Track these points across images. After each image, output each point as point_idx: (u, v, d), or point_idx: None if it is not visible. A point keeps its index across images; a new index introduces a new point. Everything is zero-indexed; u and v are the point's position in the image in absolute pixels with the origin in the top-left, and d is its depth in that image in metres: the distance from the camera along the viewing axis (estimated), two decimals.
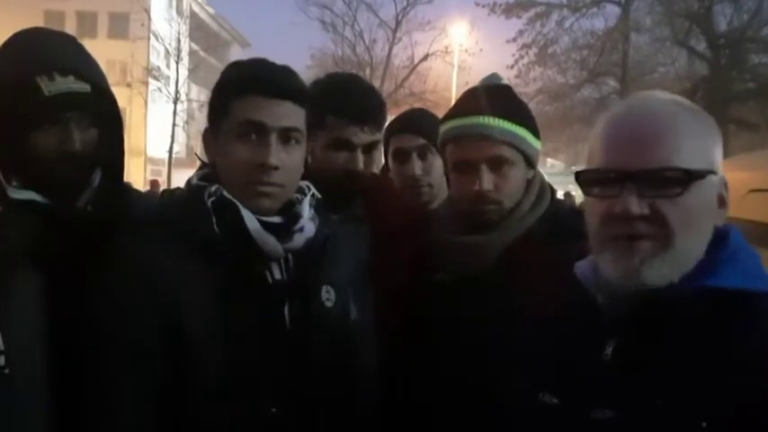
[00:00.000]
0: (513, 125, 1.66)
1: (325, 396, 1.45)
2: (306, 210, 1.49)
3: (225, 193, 1.42)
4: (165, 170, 26.98)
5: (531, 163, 1.71)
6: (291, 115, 1.44)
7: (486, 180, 1.65)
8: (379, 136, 1.94)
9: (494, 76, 1.82)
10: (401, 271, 1.75)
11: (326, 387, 1.45)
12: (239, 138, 1.41)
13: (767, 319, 1.03)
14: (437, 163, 2.20)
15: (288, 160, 1.43)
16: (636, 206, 1.05)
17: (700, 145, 1.08)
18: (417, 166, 2.18)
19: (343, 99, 1.82)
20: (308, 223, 1.48)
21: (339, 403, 1.48)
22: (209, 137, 1.49)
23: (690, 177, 1.05)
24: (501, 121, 1.65)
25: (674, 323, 1.05)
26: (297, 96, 1.45)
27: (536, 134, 1.72)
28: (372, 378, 1.59)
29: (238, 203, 1.41)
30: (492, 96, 1.70)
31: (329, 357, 1.47)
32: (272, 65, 1.48)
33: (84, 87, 1.53)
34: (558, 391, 1.15)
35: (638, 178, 1.05)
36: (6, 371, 1.28)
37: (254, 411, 1.37)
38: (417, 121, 2.26)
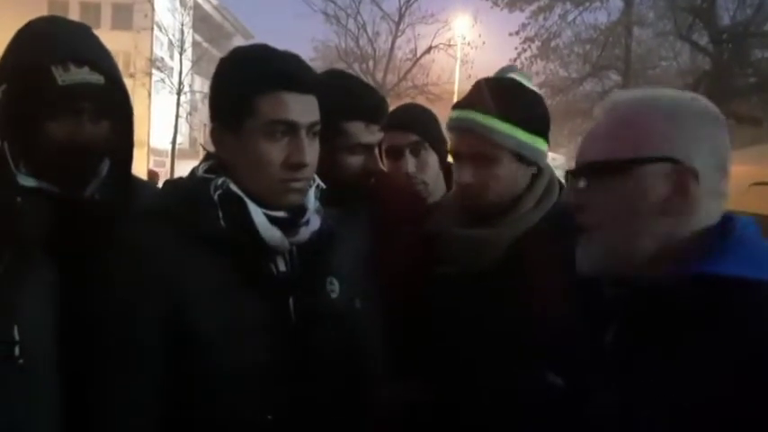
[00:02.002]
0: (495, 120, 1.65)
1: (330, 388, 1.45)
2: (311, 202, 1.49)
3: (232, 187, 1.41)
4: (168, 161, 26.95)
5: (524, 159, 1.70)
6: (315, 109, 1.44)
7: (465, 174, 1.67)
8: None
9: (504, 69, 1.81)
10: (404, 262, 1.76)
11: (332, 379, 1.46)
12: (269, 136, 1.39)
13: (762, 308, 1.04)
14: (431, 160, 2.19)
15: (314, 155, 1.44)
16: (574, 197, 1.16)
17: (635, 134, 1.12)
18: (410, 163, 2.16)
19: (357, 102, 1.82)
20: (313, 216, 1.48)
21: (345, 395, 1.48)
22: (222, 133, 1.45)
23: (613, 169, 1.11)
24: (482, 115, 1.65)
25: (670, 310, 1.08)
26: (317, 88, 1.45)
27: (533, 130, 1.70)
28: (378, 368, 1.60)
29: (245, 197, 1.40)
30: (487, 91, 1.70)
31: (335, 349, 1.48)
32: (285, 55, 1.46)
33: (99, 79, 1.54)
34: (564, 373, 1.20)
35: (576, 171, 1.17)
36: (21, 361, 1.29)
37: (259, 405, 1.38)
38: (409, 118, 2.23)
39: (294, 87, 1.40)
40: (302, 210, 1.46)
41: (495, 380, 1.52)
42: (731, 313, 1.04)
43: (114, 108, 1.60)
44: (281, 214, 1.43)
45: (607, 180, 1.12)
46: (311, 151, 1.43)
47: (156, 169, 20.70)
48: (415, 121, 2.22)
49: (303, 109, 1.41)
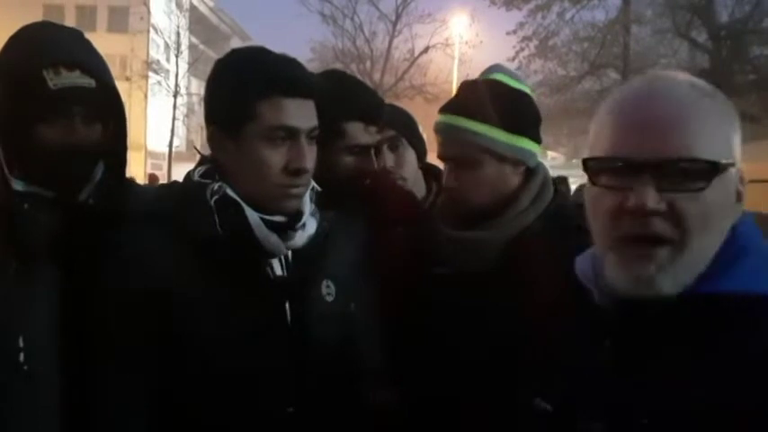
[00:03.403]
0: (476, 123, 1.65)
1: (328, 391, 1.44)
2: (307, 206, 1.48)
3: (228, 192, 1.40)
4: (165, 164, 27.03)
5: (509, 160, 1.68)
6: (313, 113, 1.43)
7: (449, 177, 1.70)
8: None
9: (490, 68, 1.79)
10: (400, 263, 1.75)
11: (330, 382, 1.45)
12: (269, 142, 1.39)
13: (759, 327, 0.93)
14: (409, 156, 2.20)
15: (312, 160, 1.44)
16: (653, 200, 0.92)
17: (721, 133, 0.97)
18: (389, 158, 2.15)
19: (356, 103, 1.82)
20: (309, 220, 1.47)
21: (342, 397, 1.47)
22: (220, 137, 1.44)
23: (714, 170, 0.93)
24: (462, 119, 1.66)
25: (667, 331, 0.97)
26: (316, 93, 1.44)
27: (517, 130, 1.67)
28: (375, 371, 1.59)
29: (242, 202, 1.39)
30: (466, 93, 1.71)
31: (331, 352, 1.47)
32: (284, 58, 1.45)
33: (90, 82, 1.53)
34: (551, 397, 1.09)
35: (654, 169, 0.93)
36: (26, 367, 1.30)
37: (257, 408, 1.37)
38: (387, 114, 2.20)
39: (295, 93, 1.39)
40: (298, 214, 1.45)
41: (482, 389, 1.51)
42: (736, 337, 0.93)
43: (106, 111, 1.59)
44: (277, 218, 1.42)
45: (702, 183, 0.94)
46: (310, 156, 1.42)
47: (154, 173, 20.74)
48: (392, 117, 2.20)
49: (303, 114, 1.41)
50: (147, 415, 1.37)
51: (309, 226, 1.48)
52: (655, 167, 0.93)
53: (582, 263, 1.10)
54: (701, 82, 1.02)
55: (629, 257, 0.96)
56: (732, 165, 0.98)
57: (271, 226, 1.41)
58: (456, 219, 1.74)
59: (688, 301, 0.95)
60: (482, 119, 1.65)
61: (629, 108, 0.99)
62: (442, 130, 1.72)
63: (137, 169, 26.99)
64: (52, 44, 1.55)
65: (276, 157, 1.39)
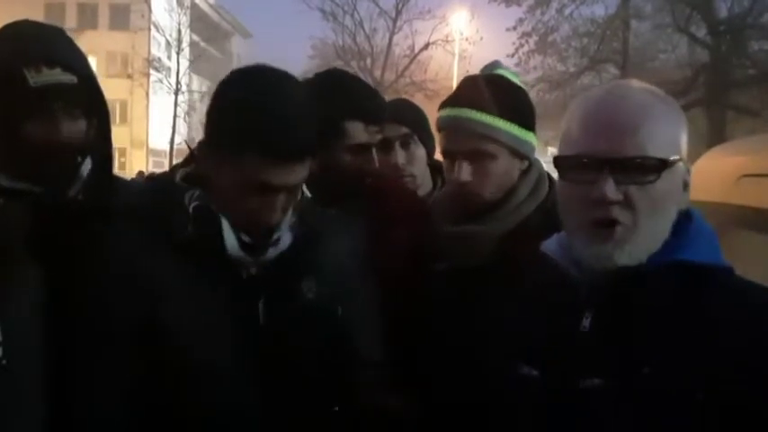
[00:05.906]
0: (493, 118, 1.65)
1: (304, 388, 1.44)
2: (285, 221, 1.45)
3: (209, 204, 1.41)
4: (166, 161, 26.99)
5: (519, 154, 1.71)
6: (303, 170, 1.39)
7: (464, 172, 1.67)
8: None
9: (492, 64, 1.82)
10: (402, 261, 1.76)
11: (306, 379, 1.45)
12: (247, 190, 1.36)
13: (732, 290, 1.13)
14: (420, 153, 2.21)
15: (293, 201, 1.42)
16: (613, 192, 1.10)
17: (671, 133, 1.14)
18: (400, 155, 2.17)
19: (357, 103, 1.83)
20: (285, 234, 1.45)
21: (320, 394, 1.47)
22: (207, 153, 1.43)
23: (663, 166, 1.10)
24: (480, 113, 1.65)
25: (647, 294, 1.13)
26: (310, 153, 1.39)
27: (526, 125, 1.71)
28: (366, 370, 1.57)
29: (221, 217, 1.39)
30: (479, 87, 1.70)
31: (309, 350, 1.46)
32: (287, 116, 1.35)
33: (71, 79, 1.54)
34: (537, 363, 1.19)
35: (614, 165, 1.10)
36: (4, 362, 1.30)
37: (227, 404, 1.38)
38: (400, 111, 2.23)
39: (285, 158, 1.35)
40: (271, 231, 1.43)
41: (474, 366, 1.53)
42: (708, 298, 1.11)
43: (89, 107, 1.60)
44: (248, 240, 1.40)
45: (651, 177, 1.11)
46: (288, 205, 1.40)
47: (155, 170, 20.73)
48: (405, 114, 2.23)
49: (289, 176, 1.36)
50: (131, 413, 1.37)
51: (283, 241, 1.44)
52: (614, 164, 1.10)
53: (552, 245, 1.27)
54: (654, 88, 1.20)
55: (592, 237, 1.14)
56: (680, 160, 1.14)
57: (244, 246, 1.40)
58: (457, 213, 1.75)
59: (661, 268, 1.12)
60: (497, 113, 1.65)
61: (592, 114, 1.16)
62: (451, 124, 1.70)
63: (139, 166, 26.93)
64: (33, 42, 1.55)
65: (251, 204, 1.37)
